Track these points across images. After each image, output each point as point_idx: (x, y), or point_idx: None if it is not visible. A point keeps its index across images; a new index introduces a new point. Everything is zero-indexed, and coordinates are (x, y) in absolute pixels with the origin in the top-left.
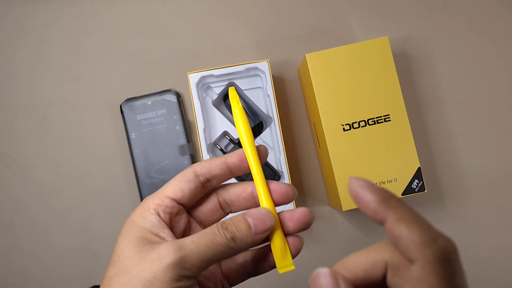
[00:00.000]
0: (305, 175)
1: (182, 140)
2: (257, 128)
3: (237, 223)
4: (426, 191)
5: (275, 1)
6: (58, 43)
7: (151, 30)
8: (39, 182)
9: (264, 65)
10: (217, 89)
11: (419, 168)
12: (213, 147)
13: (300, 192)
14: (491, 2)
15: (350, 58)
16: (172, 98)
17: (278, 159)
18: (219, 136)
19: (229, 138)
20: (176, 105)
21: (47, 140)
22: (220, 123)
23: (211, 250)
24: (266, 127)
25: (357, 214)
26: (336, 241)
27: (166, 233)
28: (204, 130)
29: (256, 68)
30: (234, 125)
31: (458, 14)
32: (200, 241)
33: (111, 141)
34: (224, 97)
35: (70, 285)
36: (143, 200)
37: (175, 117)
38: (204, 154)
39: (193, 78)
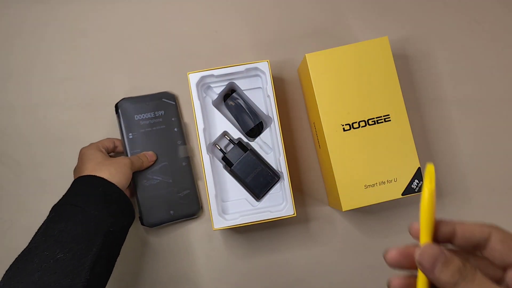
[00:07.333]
0: (305, 175)
1: (180, 142)
2: (257, 128)
3: (143, 157)
4: None
5: (275, 1)
6: (57, 43)
7: (151, 30)
8: (39, 182)
9: (264, 66)
10: (217, 89)
11: (419, 168)
12: (213, 147)
13: (300, 192)
14: (491, 2)
15: (350, 58)
16: (171, 100)
17: (278, 159)
18: (219, 136)
19: (228, 138)
20: (174, 107)
21: (47, 140)
22: (220, 123)
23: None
24: (266, 127)
25: (357, 214)
26: (336, 241)
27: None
28: (204, 130)
29: (256, 69)
30: (234, 125)
31: (458, 14)
32: (133, 159)
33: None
34: (224, 97)
35: None
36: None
37: (173, 119)
38: (204, 154)
39: (193, 78)
